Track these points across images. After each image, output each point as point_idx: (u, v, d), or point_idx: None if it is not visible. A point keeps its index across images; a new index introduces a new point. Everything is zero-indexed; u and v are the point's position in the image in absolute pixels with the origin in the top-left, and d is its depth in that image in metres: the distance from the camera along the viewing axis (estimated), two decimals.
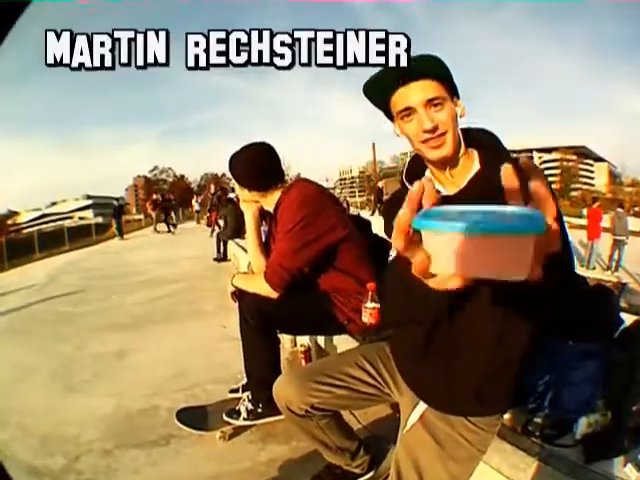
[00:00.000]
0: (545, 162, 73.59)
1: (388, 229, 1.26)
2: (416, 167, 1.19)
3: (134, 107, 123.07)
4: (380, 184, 21.26)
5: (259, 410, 1.96)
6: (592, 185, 68.55)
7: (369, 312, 1.74)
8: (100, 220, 27.15)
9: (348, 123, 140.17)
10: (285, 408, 1.43)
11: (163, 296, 5.16)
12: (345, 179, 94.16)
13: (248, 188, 1.99)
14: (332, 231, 1.87)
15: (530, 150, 77.69)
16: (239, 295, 1.99)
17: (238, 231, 8.54)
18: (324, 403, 1.38)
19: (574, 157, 68.93)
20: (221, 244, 8.36)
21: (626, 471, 1.19)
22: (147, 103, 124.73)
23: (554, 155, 70.45)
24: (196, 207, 22.36)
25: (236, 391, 2.24)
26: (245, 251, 6.63)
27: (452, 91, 1.09)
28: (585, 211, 12.10)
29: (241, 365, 1.98)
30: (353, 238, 1.95)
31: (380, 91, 1.11)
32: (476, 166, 1.11)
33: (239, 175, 1.99)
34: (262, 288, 1.88)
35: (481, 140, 1.14)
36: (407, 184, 1.20)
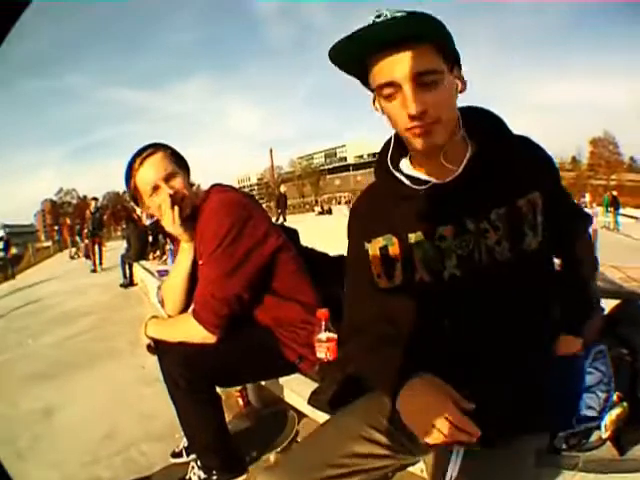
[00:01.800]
0: None
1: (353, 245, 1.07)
2: (397, 152, 1.01)
3: (35, 128, 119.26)
4: (282, 189, 21.01)
5: (214, 478, 1.54)
6: None
7: (325, 345, 1.40)
8: (14, 251, 24.44)
9: (244, 130, 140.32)
10: None
11: (76, 334, 4.73)
12: (244, 187, 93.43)
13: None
14: (265, 241, 1.52)
15: None
16: (158, 348, 1.54)
17: (142, 252, 8.17)
18: None
19: None
20: (127, 268, 7.77)
21: None
22: (48, 123, 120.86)
23: None
24: None
25: (179, 455, 1.80)
26: (152, 275, 6.13)
27: (451, 60, 0.87)
28: None
29: (171, 413, 1.55)
30: (289, 249, 1.61)
31: (353, 57, 0.86)
32: (470, 147, 0.95)
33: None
34: (193, 333, 1.47)
35: (474, 118, 0.96)
36: (393, 171, 0.99)
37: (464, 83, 0.90)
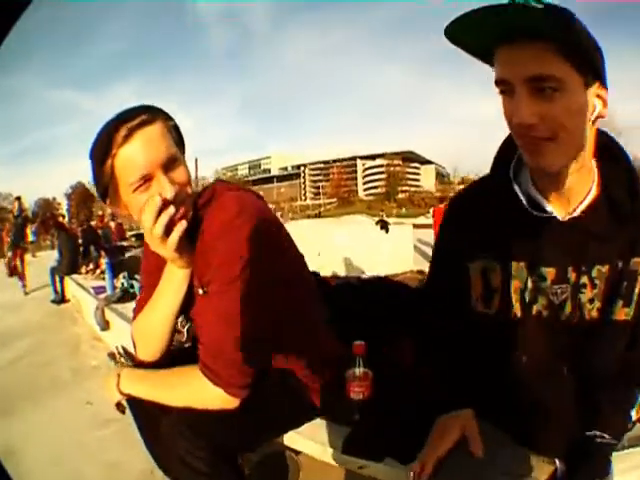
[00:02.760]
0: (369, 168, 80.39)
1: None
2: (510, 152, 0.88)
3: None
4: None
5: None
6: (419, 187, 76.68)
7: (361, 384, 1.20)
8: None
9: None
10: None
11: (16, 358, 4.30)
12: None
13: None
14: (292, 261, 1.18)
15: (354, 158, 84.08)
16: (139, 409, 1.12)
17: (75, 265, 7.49)
18: None
19: (399, 162, 76.23)
20: (57, 282, 7.07)
21: None
22: None
23: (378, 161, 77.23)
24: (31, 237, 16.68)
25: None
26: (87, 292, 5.61)
27: (589, 72, 0.72)
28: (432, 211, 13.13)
29: (136, 462, 1.35)
30: (307, 268, 1.30)
31: (474, 41, 0.73)
32: (595, 186, 0.82)
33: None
34: (207, 397, 1.01)
35: (603, 148, 0.83)
36: (515, 185, 0.86)
37: (604, 106, 0.75)
